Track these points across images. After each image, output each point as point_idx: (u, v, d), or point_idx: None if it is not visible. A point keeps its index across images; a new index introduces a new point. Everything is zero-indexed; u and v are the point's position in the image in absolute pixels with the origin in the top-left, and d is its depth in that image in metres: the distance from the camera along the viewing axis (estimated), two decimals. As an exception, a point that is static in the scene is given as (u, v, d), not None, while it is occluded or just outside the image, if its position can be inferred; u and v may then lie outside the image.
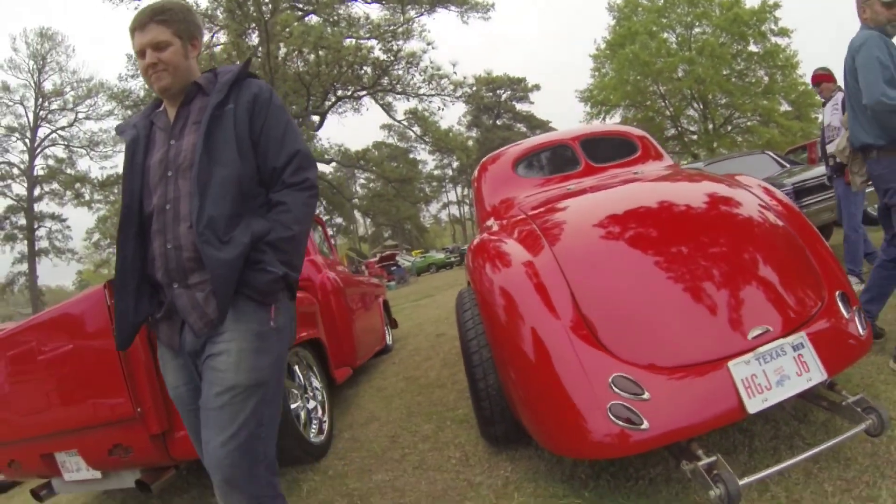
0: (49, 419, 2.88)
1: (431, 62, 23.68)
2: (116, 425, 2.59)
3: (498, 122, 61.30)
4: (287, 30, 20.51)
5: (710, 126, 35.44)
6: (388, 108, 27.30)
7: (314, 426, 3.78)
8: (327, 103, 23.89)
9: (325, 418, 3.92)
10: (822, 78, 5.78)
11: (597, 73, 37.53)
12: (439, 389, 4.57)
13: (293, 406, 3.54)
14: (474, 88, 25.57)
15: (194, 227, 1.67)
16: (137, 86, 26.49)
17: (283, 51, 21.31)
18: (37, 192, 43.30)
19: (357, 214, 48.15)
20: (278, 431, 3.10)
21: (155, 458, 2.62)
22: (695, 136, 37.07)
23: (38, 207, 43.65)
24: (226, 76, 1.89)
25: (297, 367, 3.80)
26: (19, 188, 42.85)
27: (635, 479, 2.36)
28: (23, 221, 42.67)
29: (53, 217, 44.22)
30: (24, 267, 43.07)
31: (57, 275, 55.45)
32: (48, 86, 42.34)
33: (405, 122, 28.43)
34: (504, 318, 2.46)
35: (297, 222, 1.80)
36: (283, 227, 1.77)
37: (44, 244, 43.84)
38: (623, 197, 3.13)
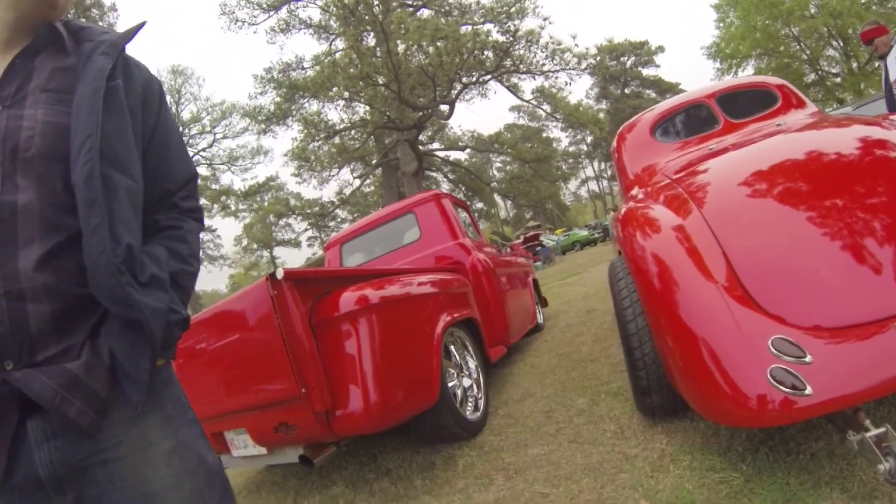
0: (221, 401, 3.16)
1: (551, 37, 23.18)
2: (282, 405, 2.80)
3: (626, 91, 59.12)
4: (402, 26, 20.89)
5: (854, 65, 31.75)
6: (514, 90, 27.02)
7: (470, 403, 3.87)
8: (453, 92, 24.07)
9: (481, 396, 4.01)
10: (874, 32, 4.97)
11: (722, 24, 35.11)
12: (592, 364, 4.54)
13: (450, 384, 3.64)
14: (598, 58, 24.70)
15: (109, 259, 1.01)
16: (267, 101, 28.27)
17: (402, 47, 21.67)
18: None
19: (497, 198, 48.44)
20: (435, 408, 3.32)
21: (317, 435, 2.80)
22: (838, 79, 33.52)
23: None
24: (105, 35, 1.22)
25: (452, 347, 3.91)
26: None
27: (796, 453, 2.23)
28: None
29: (204, 229, 48.78)
30: None
31: (211, 280, 60.86)
32: (186, 115, 47.12)
33: (534, 102, 28.03)
34: (658, 285, 2.38)
35: (195, 258, 1.34)
36: (182, 260, 1.28)
37: None
38: (768, 151, 2.95)
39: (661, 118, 4.45)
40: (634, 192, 3.75)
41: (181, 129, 47.80)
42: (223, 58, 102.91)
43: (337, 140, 29.29)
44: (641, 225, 2.77)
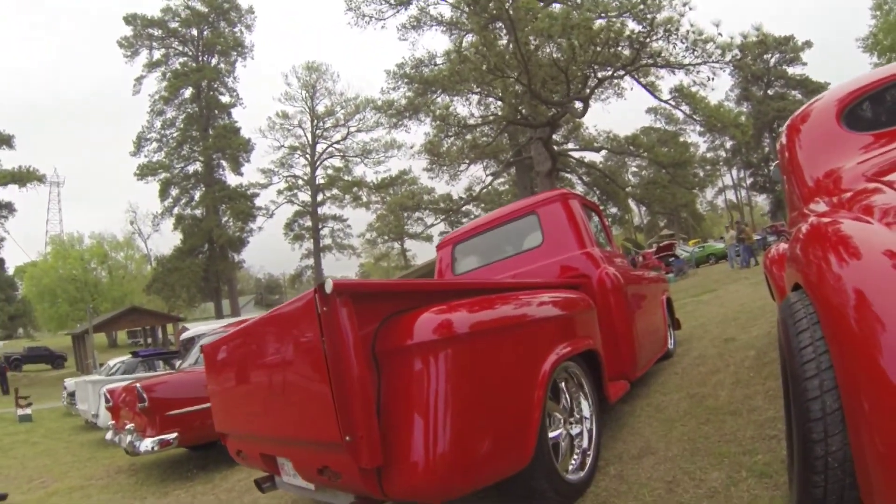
0: (265, 422, 2.80)
1: (692, 25, 21.08)
2: (325, 447, 2.26)
3: (769, 92, 54.84)
4: (530, 14, 19.94)
5: None
6: (652, 89, 25.40)
7: (575, 458, 3.12)
8: (587, 88, 22.88)
9: (590, 450, 3.24)
10: None
11: (879, 13, 31.24)
12: (732, 418, 3.64)
13: (553, 434, 2.93)
14: (744, 51, 22.30)
15: None
16: (399, 95, 28.37)
17: (532, 38, 20.69)
18: (319, 197, 51.29)
19: (632, 204, 46.62)
20: (527, 469, 2.50)
21: (366, 491, 2.25)
22: None
23: (321, 210, 51.77)
24: None
25: (564, 385, 3.18)
26: (304, 196, 51.39)
27: None
28: (309, 223, 50.73)
29: (335, 218, 52.18)
30: (311, 261, 51.32)
31: (340, 267, 63.41)
32: (320, 108, 50.89)
33: (672, 102, 26.14)
34: (870, 343, 1.47)
35: None
36: None
37: (327, 241, 51.68)
38: None
39: (852, 100, 3.26)
40: (817, 203, 2.88)
41: (316, 122, 50.53)
42: (358, 53, 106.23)
43: (468, 136, 29.07)
44: (839, 247, 1.84)
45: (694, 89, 24.50)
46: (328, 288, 2.11)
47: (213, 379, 3.52)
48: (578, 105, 23.43)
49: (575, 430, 3.22)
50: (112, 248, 51.28)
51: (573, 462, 3.11)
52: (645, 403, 4.56)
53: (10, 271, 46.79)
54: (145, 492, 6.04)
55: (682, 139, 42.43)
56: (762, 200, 67.64)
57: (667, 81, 25.55)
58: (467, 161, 30.01)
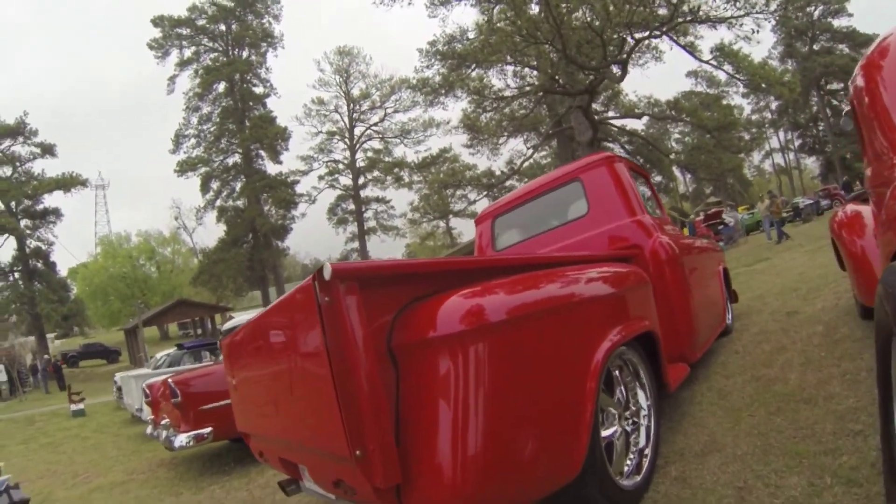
0: (279, 425, 2.54)
1: None
2: (337, 459, 1.92)
3: (815, 48, 52.32)
4: None
5: None
6: (691, 49, 24.27)
7: (630, 459, 2.72)
8: (625, 52, 21.95)
9: (648, 450, 2.82)
10: None
11: None
12: (806, 406, 3.17)
13: (606, 433, 2.52)
14: (788, 3, 20.63)
15: None
16: (433, 73, 27.83)
17: (564, 2, 19.71)
18: (361, 180, 51.61)
19: (676, 171, 45.24)
20: (577, 477, 2.04)
21: None
22: None
23: (363, 193, 51.93)
24: None
25: (618, 374, 2.76)
26: (346, 179, 51.70)
27: None
28: (352, 207, 50.87)
29: (378, 200, 52.26)
30: (356, 244, 51.58)
31: (386, 249, 63.70)
32: (356, 92, 51.13)
33: (713, 62, 24.96)
34: None
35: None
36: None
37: (371, 224, 51.76)
38: None
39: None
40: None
41: (352, 105, 50.40)
42: (389, 34, 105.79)
43: (506, 109, 28.51)
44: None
45: (736, 47, 23.41)
46: (326, 274, 1.75)
47: (231, 375, 3.28)
48: (616, 70, 22.56)
49: (631, 426, 2.82)
50: (158, 244, 52.63)
51: (628, 464, 2.71)
52: (706, 388, 4.10)
53: (62, 273, 48.13)
54: (182, 487, 5.97)
55: (724, 102, 40.87)
56: (811, 163, 65.44)
57: (707, 41, 24.56)
58: (506, 134, 29.50)
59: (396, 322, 1.98)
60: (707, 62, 24.99)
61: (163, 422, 6.61)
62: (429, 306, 1.97)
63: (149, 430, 7.39)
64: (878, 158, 2.77)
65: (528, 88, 26.91)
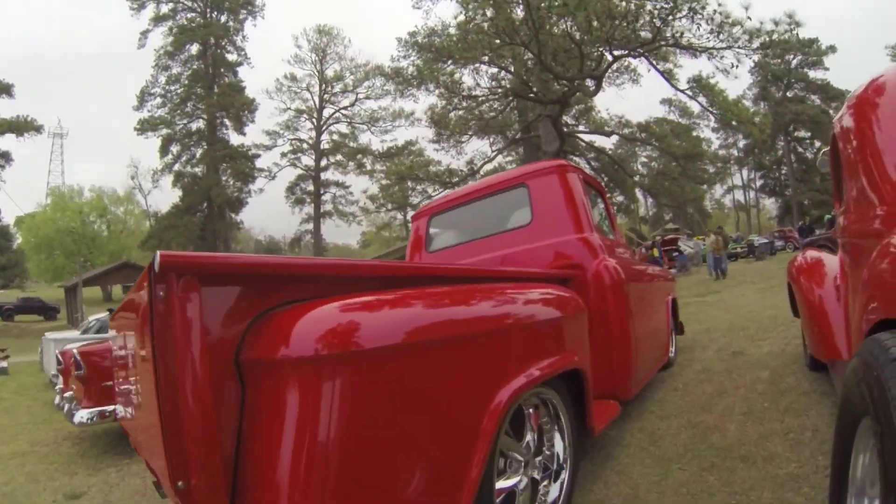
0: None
1: (719, 5, 19.47)
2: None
3: (788, 94, 53.42)
4: None
5: None
6: (669, 76, 24.21)
7: None
8: (601, 68, 21.74)
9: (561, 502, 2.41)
10: None
11: None
12: (743, 466, 2.82)
13: (507, 485, 2.12)
14: (774, 37, 20.68)
15: None
16: (407, 64, 27.34)
17: (544, 4, 19.23)
18: (323, 162, 51.11)
19: (639, 194, 45.49)
20: None
21: None
22: None
23: (324, 176, 51.41)
24: None
25: (531, 413, 2.35)
26: (308, 160, 51.17)
27: None
28: (311, 188, 50.25)
29: (337, 184, 51.80)
30: (311, 226, 50.96)
31: (340, 234, 62.96)
32: (329, 73, 50.56)
33: (689, 92, 24.90)
34: None
35: None
36: None
37: (328, 207, 51.24)
38: None
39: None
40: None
41: (324, 86, 49.50)
42: (370, 20, 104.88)
43: (475, 110, 28.16)
44: None
45: (713, 81, 23.42)
46: (157, 264, 1.34)
47: (111, 361, 2.89)
48: (591, 84, 22.31)
49: (541, 474, 2.39)
50: (112, 202, 50.96)
51: (531, 522, 2.27)
52: (637, 429, 3.71)
53: (6, 221, 46.36)
54: (79, 466, 5.44)
55: (695, 133, 41.30)
56: (770, 203, 66.72)
57: (685, 71, 24.45)
58: (470, 133, 29.05)
59: (249, 331, 1.55)
60: (683, 91, 24.89)
61: (67, 394, 6.16)
62: (286, 317, 1.54)
63: (56, 399, 6.82)
64: (858, 206, 2.38)
65: (499, 90, 26.56)
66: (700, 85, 24.16)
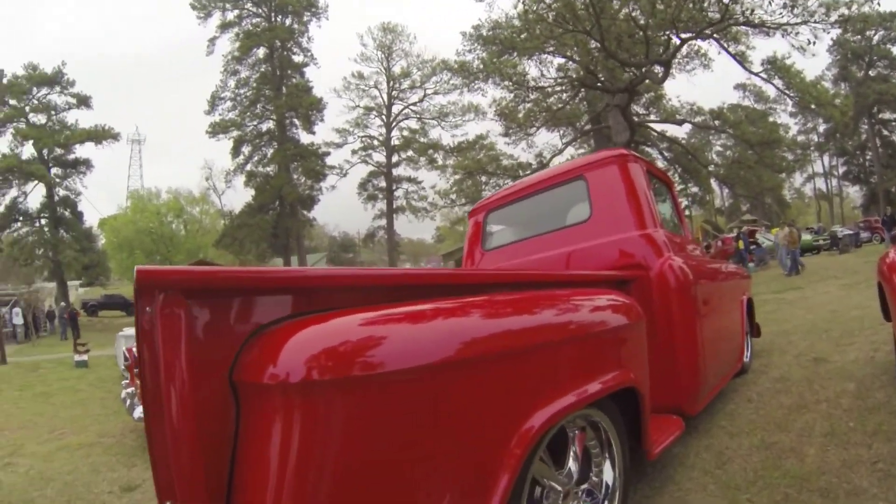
0: None
1: None
2: None
3: (871, 73, 50.06)
4: None
5: None
6: (741, 59, 22.92)
7: None
8: (668, 52, 20.76)
9: None
10: None
11: None
12: (823, 502, 2.45)
13: None
14: (853, 10, 18.91)
15: None
16: (472, 57, 27.01)
17: None
18: (394, 158, 51.35)
19: (714, 185, 43.68)
20: None
21: None
22: None
23: (395, 172, 51.50)
24: None
25: (575, 437, 2.06)
26: (379, 156, 51.44)
27: None
28: (383, 184, 50.64)
29: (409, 180, 51.71)
30: (384, 222, 51.31)
31: (414, 229, 63.14)
32: (396, 70, 50.68)
33: (763, 75, 23.49)
34: None
35: None
36: None
37: (401, 202, 51.28)
38: None
39: None
40: None
41: (392, 83, 49.88)
42: (434, 15, 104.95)
43: (543, 102, 27.65)
44: None
45: (789, 62, 22.09)
46: (135, 277, 1.23)
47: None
48: (659, 70, 21.38)
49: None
50: (188, 202, 52.65)
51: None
52: (703, 446, 3.36)
53: (88, 224, 48.78)
54: (139, 459, 5.50)
55: (771, 119, 39.31)
56: (854, 192, 63.16)
57: (758, 53, 23.14)
58: (536, 125, 28.48)
59: (243, 349, 1.37)
60: (757, 74, 23.58)
61: (130, 389, 6.22)
62: (279, 335, 1.34)
63: (122, 393, 6.96)
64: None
65: (565, 81, 25.89)
66: (775, 66, 22.85)
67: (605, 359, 2.21)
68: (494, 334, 1.71)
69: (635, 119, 26.21)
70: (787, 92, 23.98)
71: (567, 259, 3.60)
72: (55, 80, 44.04)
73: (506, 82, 24.81)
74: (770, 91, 33.37)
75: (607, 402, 2.17)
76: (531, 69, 25.76)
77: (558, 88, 27.12)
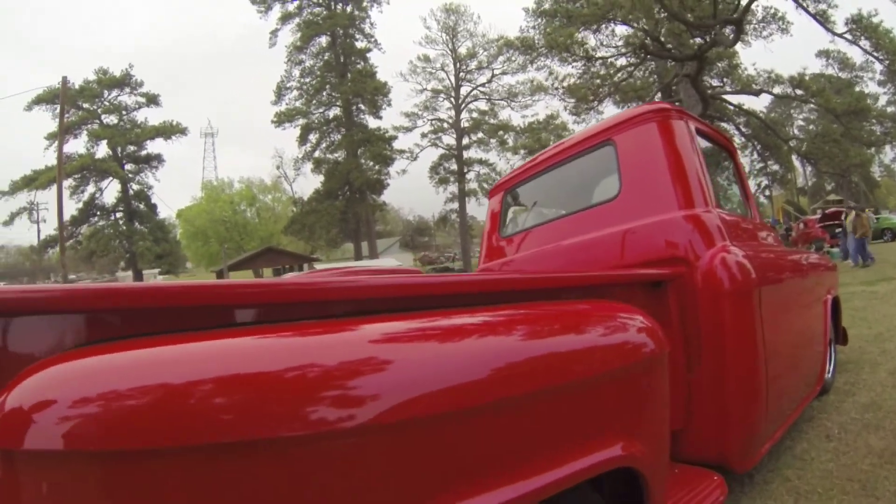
0: None
1: None
2: None
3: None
4: None
5: None
6: (823, 19, 20.72)
7: None
8: (738, 11, 18.75)
9: None
10: None
11: None
12: None
13: None
14: None
15: None
16: (536, 34, 25.79)
17: None
18: (465, 141, 50.98)
19: (796, 162, 40.76)
20: None
21: None
22: None
23: (466, 154, 50.90)
24: None
25: None
26: (449, 139, 51.14)
27: None
28: (454, 167, 50.06)
29: (481, 162, 51.29)
30: (456, 205, 51.38)
31: (482, 212, 62.91)
32: (462, 51, 50.26)
33: (848, 36, 21.24)
34: None
35: None
36: None
37: (473, 185, 50.53)
38: None
39: None
40: None
41: (458, 64, 49.11)
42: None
43: (603, 73, 26.31)
44: None
45: (877, 20, 19.86)
46: None
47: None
48: (729, 32, 19.53)
49: None
50: (260, 191, 54.09)
51: None
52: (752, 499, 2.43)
53: (162, 215, 51.19)
54: None
55: (858, 89, 36.11)
56: (953, 168, 58.27)
57: (841, 11, 20.85)
58: (606, 100, 27.04)
59: None
60: (841, 35, 21.24)
61: None
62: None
63: None
64: None
65: (628, 50, 24.32)
66: (861, 25, 20.58)
67: (583, 425, 1.35)
68: (370, 396, 0.95)
69: (709, 91, 24.33)
70: (875, 54, 21.64)
71: (586, 250, 2.74)
72: (124, 82, 47.03)
73: (564, 54, 23.47)
74: (856, 57, 30.65)
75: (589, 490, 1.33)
76: (591, 40, 24.45)
77: (622, 57, 25.65)
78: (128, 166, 47.60)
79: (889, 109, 49.10)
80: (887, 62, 21.81)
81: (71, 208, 44.30)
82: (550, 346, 1.33)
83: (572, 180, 3.25)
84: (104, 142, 46.23)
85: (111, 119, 46.99)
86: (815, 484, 2.58)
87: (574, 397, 1.32)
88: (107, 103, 46.97)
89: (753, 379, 2.24)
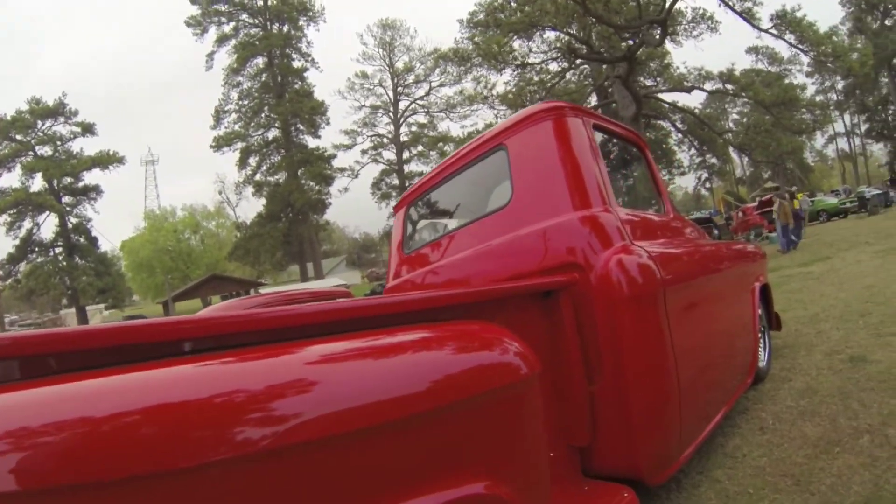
0: None
1: None
2: None
3: (887, 23, 48.03)
4: None
5: None
6: (749, 17, 21.30)
7: None
8: (663, 11, 19.11)
9: None
10: None
11: None
12: None
13: None
14: None
15: None
16: (470, 45, 25.91)
17: None
18: (405, 155, 52.08)
19: (733, 154, 42.05)
20: None
21: None
22: None
23: (407, 168, 51.91)
24: None
25: None
26: (389, 154, 52.20)
27: None
28: (395, 182, 50.55)
29: (421, 175, 50.94)
30: None
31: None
32: (399, 65, 51.26)
33: (774, 31, 21.91)
34: None
35: None
36: None
37: None
38: None
39: None
40: None
41: (396, 79, 49.16)
42: (431, 6, 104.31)
43: (537, 77, 26.57)
44: None
45: (800, 14, 20.52)
46: None
47: None
48: (656, 32, 19.86)
49: None
50: (203, 217, 53.19)
51: None
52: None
53: (102, 249, 49.62)
54: None
55: (787, 81, 37.32)
56: (879, 150, 60.79)
57: (766, 8, 21.48)
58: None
59: None
60: (766, 31, 21.90)
61: None
62: None
63: None
64: None
65: (557, 54, 24.62)
66: (785, 20, 21.28)
67: (432, 467, 1.14)
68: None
69: (642, 91, 24.75)
70: (800, 47, 22.37)
71: (479, 261, 2.55)
72: (58, 111, 45.57)
73: (496, 63, 23.62)
74: (783, 51, 31.71)
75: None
76: (524, 47, 24.66)
77: (555, 65, 25.97)
78: (65, 199, 46.34)
79: (817, 98, 50.95)
80: (812, 54, 22.50)
81: (7, 246, 42.91)
82: (384, 378, 1.12)
83: (469, 189, 3.08)
84: (39, 174, 44.87)
85: (45, 150, 45.82)
86: (745, 484, 2.42)
87: (414, 432, 1.11)
88: (41, 134, 45.76)
89: (661, 385, 2.07)
